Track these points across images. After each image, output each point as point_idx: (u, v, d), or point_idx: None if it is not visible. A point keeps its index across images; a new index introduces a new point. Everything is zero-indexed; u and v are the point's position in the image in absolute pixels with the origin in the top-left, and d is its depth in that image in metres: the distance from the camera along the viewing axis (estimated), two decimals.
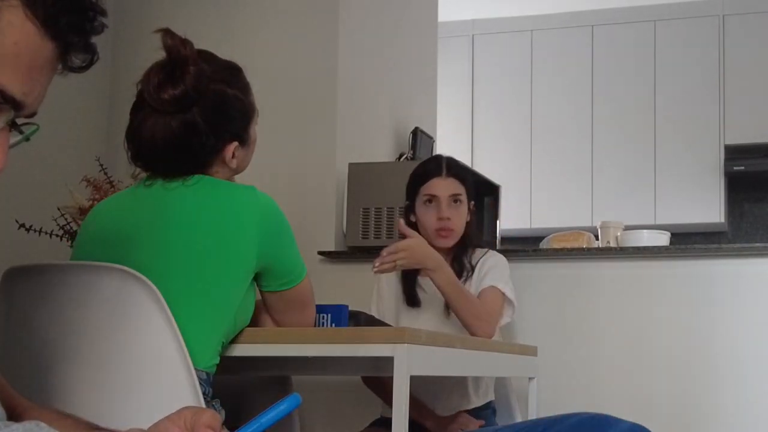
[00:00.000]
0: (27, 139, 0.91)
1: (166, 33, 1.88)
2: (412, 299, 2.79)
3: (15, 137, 0.90)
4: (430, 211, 2.74)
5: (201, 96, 1.90)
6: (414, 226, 2.76)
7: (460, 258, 2.79)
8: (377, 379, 2.77)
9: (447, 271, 2.60)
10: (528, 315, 2.97)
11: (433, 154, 4.20)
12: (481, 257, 2.81)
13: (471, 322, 2.60)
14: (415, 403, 2.67)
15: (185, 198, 1.91)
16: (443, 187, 2.75)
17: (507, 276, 2.76)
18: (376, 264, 2.54)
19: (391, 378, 1.84)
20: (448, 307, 2.71)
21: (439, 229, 2.73)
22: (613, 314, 3.33)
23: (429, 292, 2.78)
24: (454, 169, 2.80)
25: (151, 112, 1.90)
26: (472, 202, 2.83)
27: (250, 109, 2.03)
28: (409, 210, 2.82)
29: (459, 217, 2.76)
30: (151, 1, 3.87)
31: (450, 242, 2.76)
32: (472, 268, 2.78)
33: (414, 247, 2.56)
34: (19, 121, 0.89)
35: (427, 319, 2.76)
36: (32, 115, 0.90)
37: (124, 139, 1.96)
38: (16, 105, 0.86)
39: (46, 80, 0.89)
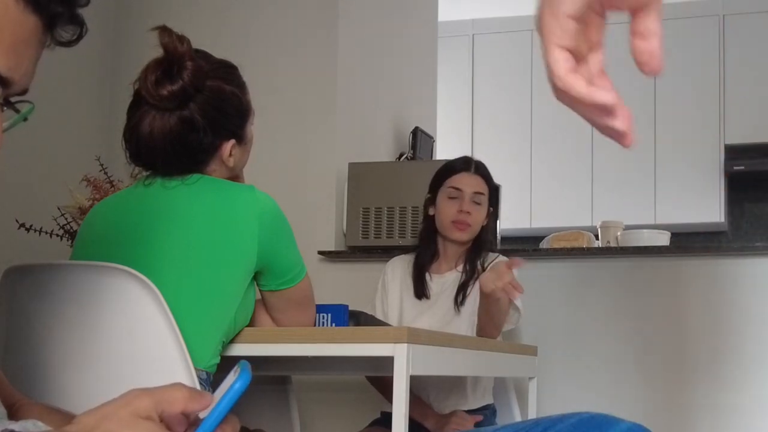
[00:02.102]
0: (24, 118, 0.90)
1: (163, 30, 1.88)
2: (421, 291, 2.82)
3: (11, 118, 0.89)
4: (453, 203, 2.79)
5: (199, 92, 1.90)
6: (432, 219, 2.84)
7: (472, 260, 2.83)
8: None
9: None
10: (528, 315, 2.96)
11: (433, 153, 4.21)
12: (491, 261, 2.83)
13: (491, 332, 2.64)
14: (415, 401, 2.67)
15: (185, 197, 1.91)
16: (469, 182, 2.81)
17: None
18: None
19: (392, 377, 1.84)
20: (458, 303, 2.76)
21: (457, 222, 2.78)
22: (613, 314, 3.33)
23: (435, 291, 2.82)
24: (482, 169, 2.87)
25: (149, 110, 1.90)
26: (491, 208, 2.88)
27: (247, 108, 2.03)
28: (429, 202, 2.88)
29: (478, 215, 2.80)
30: (153, 0, 3.87)
31: (464, 236, 2.79)
32: (483, 270, 2.80)
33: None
34: (14, 100, 0.88)
35: (434, 313, 2.78)
36: (24, 92, 0.89)
37: (122, 138, 1.96)
38: (3, 81, 0.86)
39: (33, 55, 0.88)
